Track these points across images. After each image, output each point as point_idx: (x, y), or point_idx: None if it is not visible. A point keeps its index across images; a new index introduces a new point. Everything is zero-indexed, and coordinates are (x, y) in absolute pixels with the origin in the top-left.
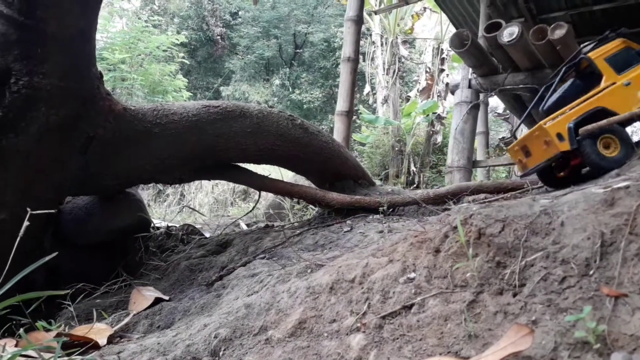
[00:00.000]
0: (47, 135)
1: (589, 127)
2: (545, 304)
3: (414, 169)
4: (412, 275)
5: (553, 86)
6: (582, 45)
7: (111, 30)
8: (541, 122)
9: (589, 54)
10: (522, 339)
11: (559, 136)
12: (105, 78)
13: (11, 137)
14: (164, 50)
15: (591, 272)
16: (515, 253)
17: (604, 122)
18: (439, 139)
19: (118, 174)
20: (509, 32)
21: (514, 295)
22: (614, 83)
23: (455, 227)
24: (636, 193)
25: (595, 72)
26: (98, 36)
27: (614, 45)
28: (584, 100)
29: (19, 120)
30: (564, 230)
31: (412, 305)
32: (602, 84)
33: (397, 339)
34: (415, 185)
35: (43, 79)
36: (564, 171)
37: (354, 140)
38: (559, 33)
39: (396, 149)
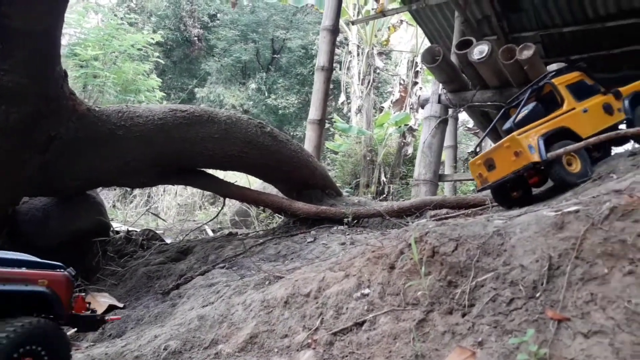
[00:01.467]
0: (7, 134)
1: (558, 152)
2: (492, 325)
3: (384, 179)
4: (367, 291)
5: (520, 106)
6: (546, 72)
7: (85, 25)
8: (513, 134)
9: (553, 80)
10: None
11: (530, 148)
12: (76, 74)
13: None
14: (138, 49)
15: (538, 295)
16: (467, 273)
17: (571, 147)
18: (410, 150)
19: (79, 176)
20: (479, 50)
21: (463, 315)
22: (574, 108)
23: (411, 244)
24: (584, 218)
25: (554, 98)
26: (71, 31)
27: (573, 76)
28: (551, 119)
29: None
30: (514, 251)
31: (363, 322)
32: (565, 107)
33: (346, 356)
34: (384, 195)
35: (4, 76)
36: (517, 192)
37: (327, 148)
38: (527, 54)
39: (368, 158)
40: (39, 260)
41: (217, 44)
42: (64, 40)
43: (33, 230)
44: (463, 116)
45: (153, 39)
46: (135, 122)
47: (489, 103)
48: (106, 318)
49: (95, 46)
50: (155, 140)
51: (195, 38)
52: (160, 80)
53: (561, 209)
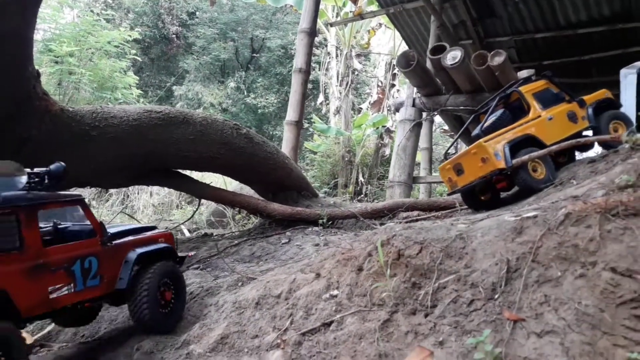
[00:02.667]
0: None
1: (522, 158)
2: (452, 325)
3: (362, 180)
4: (335, 292)
5: (487, 113)
6: (514, 80)
7: (60, 21)
8: (480, 141)
9: (520, 88)
10: None
11: (496, 154)
12: (51, 70)
13: None
14: (115, 46)
15: (496, 296)
16: (430, 275)
17: (535, 154)
18: (387, 151)
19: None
20: (452, 56)
21: (426, 315)
22: (539, 116)
23: (378, 247)
24: (542, 223)
25: (521, 105)
26: (45, 26)
27: (540, 85)
28: (517, 127)
29: None
30: (475, 255)
31: (331, 323)
32: (530, 115)
33: (314, 356)
34: (362, 196)
35: None
36: (485, 195)
37: (306, 148)
38: (498, 60)
39: (346, 159)
40: (144, 225)
41: (196, 42)
42: (38, 36)
43: None
44: (439, 118)
45: (130, 36)
46: (109, 123)
47: (462, 107)
48: (189, 254)
49: (71, 42)
50: (130, 141)
51: (174, 35)
52: (138, 78)
53: (521, 214)
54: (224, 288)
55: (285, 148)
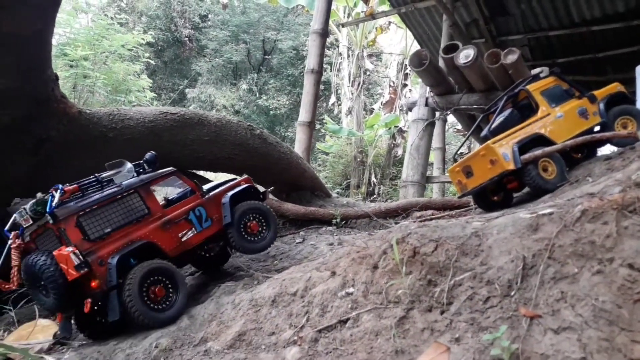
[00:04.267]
0: None
1: (535, 154)
2: (469, 322)
3: (375, 180)
4: (351, 290)
5: (496, 113)
6: (521, 79)
7: (75, 25)
8: (488, 142)
9: (528, 87)
10: (439, 356)
11: (505, 156)
12: (66, 74)
13: None
14: (129, 49)
15: (512, 293)
16: (446, 272)
17: (539, 152)
18: (400, 151)
19: (69, 177)
20: (465, 55)
21: (442, 312)
22: (549, 114)
23: (393, 245)
24: (558, 220)
25: (529, 104)
26: (61, 31)
27: (548, 82)
28: (526, 126)
29: None
30: (491, 252)
31: (347, 320)
32: (539, 114)
33: (330, 352)
34: (375, 196)
35: None
36: (497, 195)
37: (318, 149)
38: (511, 58)
39: (358, 159)
40: (228, 179)
41: (208, 45)
42: (53, 40)
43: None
44: (452, 118)
45: (144, 39)
46: (126, 125)
47: (475, 106)
48: (267, 190)
49: (85, 46)
50: (146, 142)
51: (186, 38)
52: (151, 81)
53: (536, 212)
54: (240, 286)
55: (298, 149)
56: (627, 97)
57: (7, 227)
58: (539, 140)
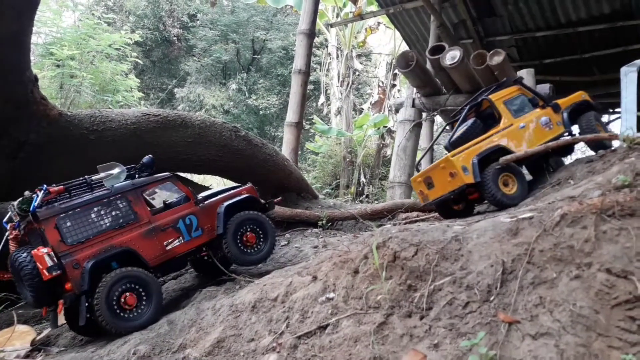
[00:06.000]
0: None
1: (507, 157)
2: (448, 327)
3: (364, 180)
4: (332, 295)
5: (457, 123)
6: (484, 88)
7: (61, 25)
8: (448, 155)
9: (490, 96)
10: None
11: (464, 169)
12: (52, 74)
13: None
14: (116, 49)
15: (492, 298)
16: (426, 277)
17: (511, 155)
18: (389, 152)
19: (50, 180)
20: (451, 56)
21: (421, 318)
22: (511, 125)
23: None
24: (537, 224)
25: (493, 113)
26: (46, 30)
27: (511, 91)
28: (486, 138)
29: None
30: (471, 257)
31: (327, 326)
32: (502, 124)
33: (309, 359)
34: (364, 196)
35: None
36: (459, 205)
37: (308, 149)
38: (497, 59)
39: (347, 159)
40: (232, 186)
41: (197, 44)
42: (39, 39)
43: (2, 234)
44: (440, 119)
45: (131, 38)
46: (107, 127)
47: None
48: (275, 200)
49: (72, 46)
50: (128, 144)
51: (175, 38)
52: (139, 81)
53: (517, 216)
54: (221, 291)
55: (286, 150)
56: (591, 105)
57: (4, 219)
58: (500, 152)
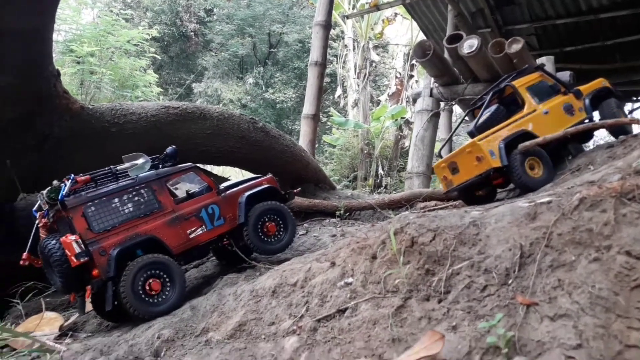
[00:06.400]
0: (1, 133)
1: (525, 144)
2: (466, 310)
3: (382, 172)
4: (350, 280)
5: (482, 109)
6: (507, 75)
7: (81, 22)
8: (474, 139)
9: (514, 82)
10: (434, 343)
11: (491, 153)
12: (72, 71)
13: None
14: (135, 45)
15: (510, 282)
16: (444, 261)
17: (530, 142)
18: (407, 143)
19: (73, 172)
20: (469, 44)
21: (439, 301)
22: (534, 110)
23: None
24: (556, 208)
25: (515, 99)
26: (66, 27)
27: (533, 77)
28: (512, 123)
29: None
30: (489, 241)
31: (346, 309)
32: (525, 110)
33: (329, 341)
34: (382, 188)
35: None
36: (482, 190)
37: (325, 141)
38: (516, 47)
39: (365, 152)
40: (254, 176)
41: (214, 39)
42: (59, 37)
43: (30, 226)
44: (459, 109)
45: (149, 34)
46: (128, 120)
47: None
48: (295, 191)
49: (91, 42)
50: (149, 137)
51: (192, 33)
52: (157, 76)
53: (535, 200)
54: (242, 278)
55: (303, 142)
56: (612, 92)
57: (34, 208)
58: (526, 136)
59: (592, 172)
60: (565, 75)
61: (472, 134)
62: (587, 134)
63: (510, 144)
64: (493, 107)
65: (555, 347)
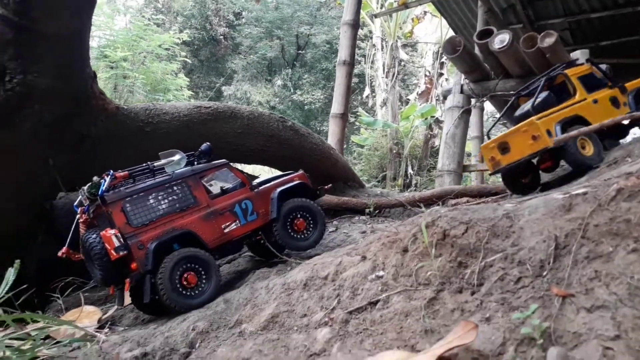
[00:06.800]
0: (40, 133)
1: (571, 134)
2: (499, 302)
3: (411, 172)
4: (381, 273)
5: (537, 92)
6: (557, 64)
7: (114, 27)
8: (532, 118)
9: (566, 71)
10: (467, 333)
11: (548, 132)
12: (106, 75)
13: (5, 133)
14: (166, 49)
15: (544, 273)
16: (476, 254)
17: (581, 130)
18: (437, 142)
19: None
20: (500, 39)
21: (472, 293)
22: (585, 99)
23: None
24: (592, 199)
25: (563, 88)
26: (100, 33)
27: (584, 69)
28: (565, 107)
29: (12, 117)
30: (523, 233)
31: (377, 302)
32: (577, 97)
33: (361, 332)
34: (412, 188)
35: (37, 78)
36: (526, 177)
37: (353, 141)
38: (549, 41)
39: (394, 151)
40: (286, 172)
41: (243, 42)
42: (94, 43)
43: (70, 224)
44: (491, 107)
45: (180, 38)
46: (162, 119)
47: (512, 92)
48: (325, 187)
49: (124, 47)
50: (181, 136)
51: (221, 37)
52: (188, 79)
53: (570, 192)
54: (273, 272)
55: (331, 141)
56: None
57: (75, 203)
58: (578, 120)
59: (630, 164)
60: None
61: (527, 115)
62: (624, 131)
63: (565, 126)
64: (544, 93)
65: (592, 339)
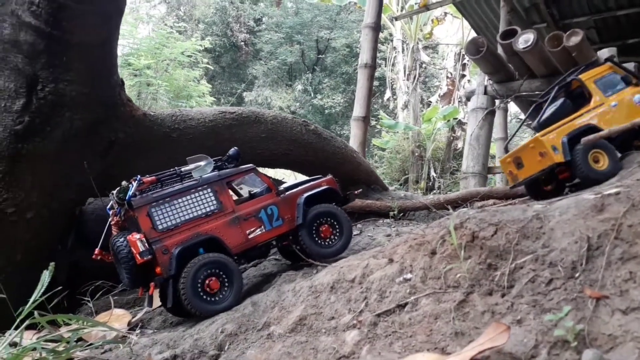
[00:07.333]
0: (71, 140)
1: (589, 137)
2: (531, 304)
3: (434, 175)
4: (409, 275)
5: (546, 104)
6: (574, 68)
7: (137, 36)
8: (537, 135)
9: (580, 76)
10: (499, 335)
11: (554, 149)
12: (130, 83)
13: (37, 141)
14: (188, 56)
15: (577, 275)
16: (506, 255)
17: (594, 135)
18: (460, 144)
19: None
20: (524, 39)
21: (502, 295)
22: (602, 104)
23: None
24: (625, 199)
25: (583, 93)
26: (124, 42)
27: (602, 69)
28: (577, 117)
29: (44, 125)
30: (553, 234)
31: (406, 304)
32: (592, 104)
33: (390, 335)
34: (435, 191)
35: (68, 86)
36: (550, 185)
37: (374, 145)
38: (575, 40)
39: (416, 154)
40: (314, 177)
41: (263, 48)
42: (118, 51)
43: (98, 229)
44: (515, 108)
45: (202, 45)
46: (188, 125)
47: (537, 93)
48: (355, 192)
49: (148, 55)
50: (207, 141)
51: (242, 43)
52: (210, 86)
53: (601, 192)
54: (300, 275)
55: (353, 144)
56: None
57: (108, 206)
58: (591, 131)
59: None
60: (629, 68)
61: (536, 129)
62: None
63: (574, 139)
64: (559, 102)
65: (628, 341)
